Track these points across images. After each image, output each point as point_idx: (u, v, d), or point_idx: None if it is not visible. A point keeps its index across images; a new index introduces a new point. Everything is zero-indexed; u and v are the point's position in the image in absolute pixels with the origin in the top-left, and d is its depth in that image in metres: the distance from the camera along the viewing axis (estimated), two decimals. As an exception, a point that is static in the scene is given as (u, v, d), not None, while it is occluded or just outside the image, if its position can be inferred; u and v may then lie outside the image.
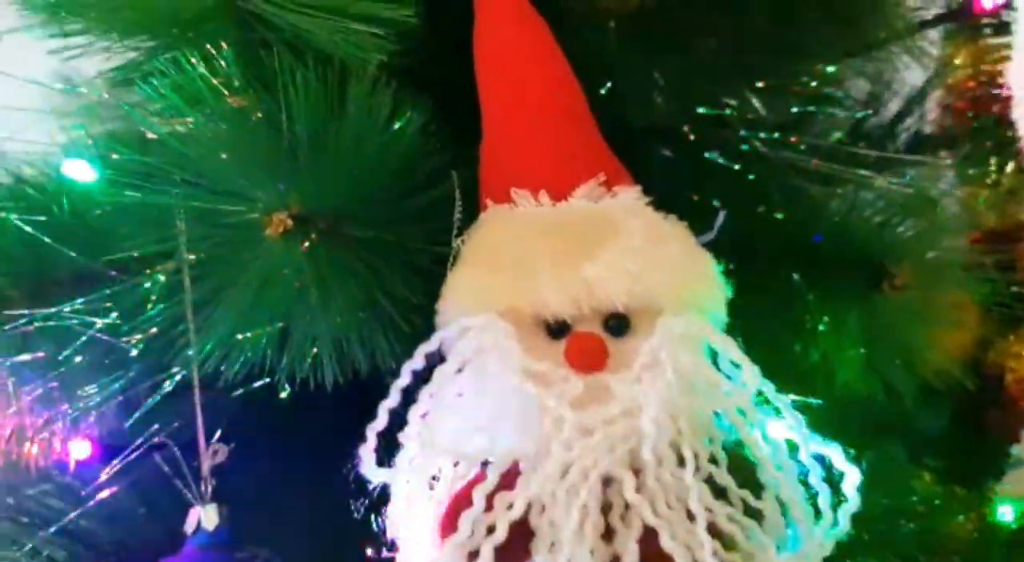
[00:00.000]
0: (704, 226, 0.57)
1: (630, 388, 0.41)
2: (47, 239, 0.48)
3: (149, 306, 0.47)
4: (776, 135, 0.57)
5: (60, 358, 0.45)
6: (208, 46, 0.44)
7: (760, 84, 0.57)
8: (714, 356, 0.44)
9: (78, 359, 0.45)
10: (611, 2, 0.59)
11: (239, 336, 0.44)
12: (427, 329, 0.45)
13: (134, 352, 0.46)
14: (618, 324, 0.44)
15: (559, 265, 0.43)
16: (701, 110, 0.57)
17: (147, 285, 0.47)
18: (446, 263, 0.46)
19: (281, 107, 0.45)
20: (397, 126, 0.46)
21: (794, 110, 0.60)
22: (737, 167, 0.56)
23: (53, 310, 0.44)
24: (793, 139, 0.57)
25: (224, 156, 0.45)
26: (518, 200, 0.46)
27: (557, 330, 0.44)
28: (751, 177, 0.57)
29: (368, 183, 0.46)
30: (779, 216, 0.58)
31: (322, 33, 0.45)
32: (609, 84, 0.57)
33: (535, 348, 0.43)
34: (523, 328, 0.43)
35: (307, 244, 0.44)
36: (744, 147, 0.57)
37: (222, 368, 0.44)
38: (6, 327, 0.45)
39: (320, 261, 0.45)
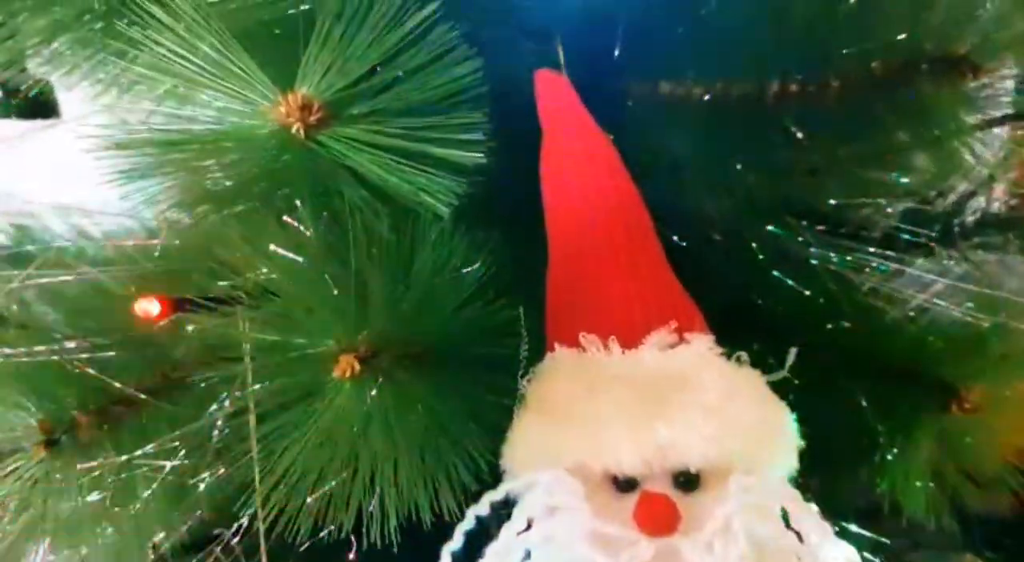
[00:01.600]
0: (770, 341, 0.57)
1: (702, 558, 0.40)
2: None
3: (214, 441, 0.47)
4: (848, 258, 0.56)
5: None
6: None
7: (832, 202, 0.56)
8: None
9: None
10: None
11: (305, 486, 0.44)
12: (492, 475, 0.45)
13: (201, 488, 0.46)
14: (688, 480, 0.43)
15: (631, 424, 0.42)
16: (770, 228, 0.56)
17: (213, 420, 0.47)
18: (512, 407, 0.45)
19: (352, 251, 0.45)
20: (467, 271, 0.45)
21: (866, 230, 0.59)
22: (807, 290, 0.55)
23: (124, 458, 0.45)
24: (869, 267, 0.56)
25: (296, 296, 0.45)
26: (587, 347, 0.45)
27: (626, 485, 0.43)
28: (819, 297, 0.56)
29: (436, 326, 0.46)
30: (846, 333, 0.57)
31: (394, 178, 0.44)
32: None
33: (603, 505, 0.42)
34: (590, 483, 0.43)
35: (375, 391, 0.44)
36: (813, 262, 0.56)
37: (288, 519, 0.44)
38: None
39: (386, 405, 0.45)
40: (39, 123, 0.74)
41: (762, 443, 0.43)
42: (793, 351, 0.48)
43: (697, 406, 0.42)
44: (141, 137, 0.50)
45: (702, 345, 0.45)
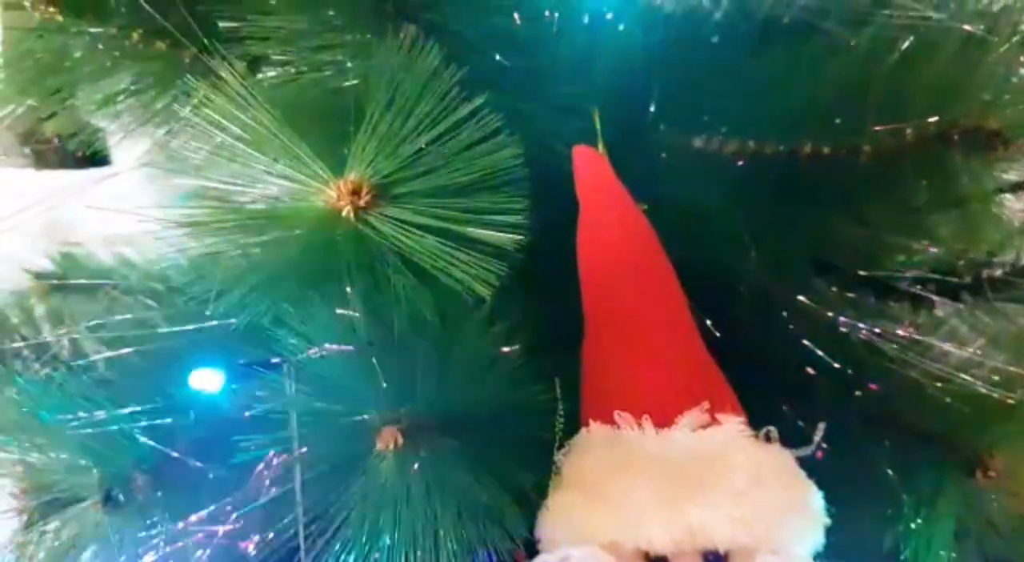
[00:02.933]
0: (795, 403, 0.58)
1: (730, 634, 0.42)
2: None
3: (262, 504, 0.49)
4: (877, 327, 0.57)
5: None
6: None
7: (862, 273, 0.57)
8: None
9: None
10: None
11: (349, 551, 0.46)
12: (527, 549, 0.47)
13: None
14: (717, 560, 0.45)
15: (664, 504, 0.44)
16: (801, 298, 0.57)
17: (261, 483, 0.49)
18: (548, 482, 0.47)
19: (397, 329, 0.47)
20: (507, 351, 0.47)
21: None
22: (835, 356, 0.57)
23: (181, 525, 0.47)
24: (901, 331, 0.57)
25: (342, 369, 0.47)
26: (621, 424, 0.47)
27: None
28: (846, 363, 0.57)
29: (476, 403, 0.47)
30: (872, 398, 0.58)
31: (439, 260, 0.46)
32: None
33: (635, 581, 0.44)
34: (622, 559, 0.45)
35: (417, 465, 0.46)
36: (843, 330, 0.57)
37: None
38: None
39: (426, 477, 0.47)
40: (95, 173, 0.76)
41: (790, 524, 0.45)
42: (821, 426, 0.50)
43: (727, 489, 0.44)
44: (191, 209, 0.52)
45: (733, 427, 0.47)
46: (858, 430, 0.57)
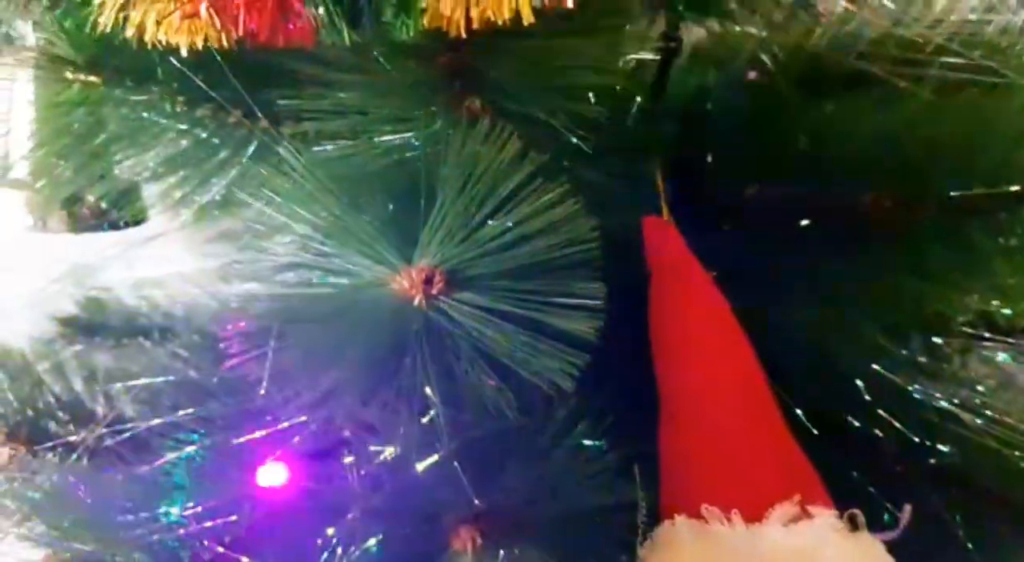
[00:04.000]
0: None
1: None
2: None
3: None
4: (952, 392, 0.55)
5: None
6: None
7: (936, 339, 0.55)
8: None
9: None
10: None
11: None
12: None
13: None
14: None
15: (755, 607, 0.42)
16: (876, 367, 0.55)
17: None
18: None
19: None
20: (589, 444, 0.45)
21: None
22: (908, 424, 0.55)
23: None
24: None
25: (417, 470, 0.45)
26: (709, 518, 0.45)
27: None
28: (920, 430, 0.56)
29: (555, 497, 0.46)
30: (945, 462, 0.57)
31: (516, 351, 0.44)
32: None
33: None
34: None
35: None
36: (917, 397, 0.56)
37: None
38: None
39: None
40: (134, 235, 0.74)
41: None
42: (908, 509, 0.48)
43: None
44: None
45: (826, 522, 0.45)
46: (933, 498, 0.56)
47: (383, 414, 0.46)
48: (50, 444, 0.73)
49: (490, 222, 0.45)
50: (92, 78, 0.56)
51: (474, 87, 0.45)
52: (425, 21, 0.36)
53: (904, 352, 0.58)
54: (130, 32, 0.39)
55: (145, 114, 0.57)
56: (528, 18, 0.35)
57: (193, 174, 0.59)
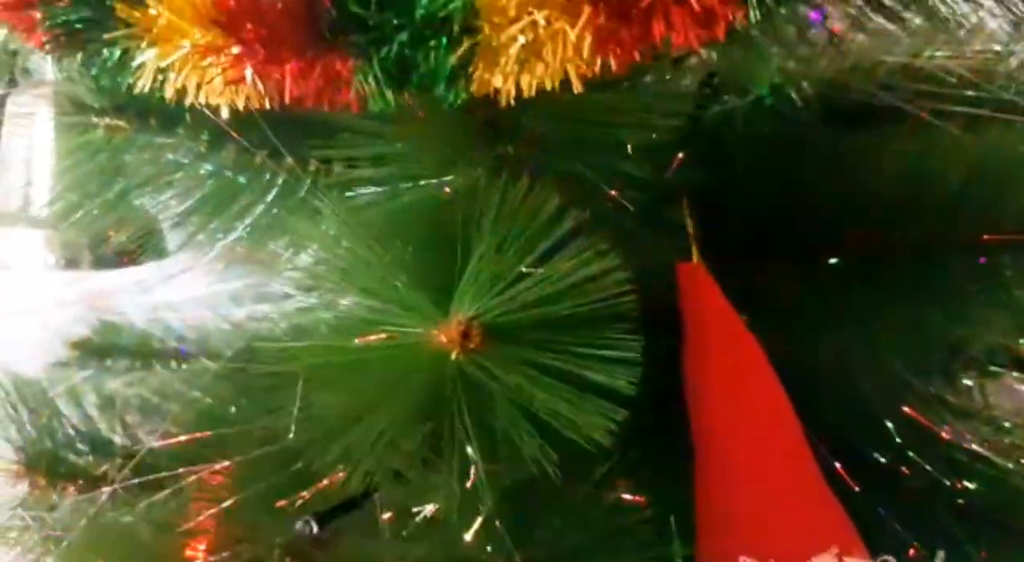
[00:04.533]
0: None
1: None
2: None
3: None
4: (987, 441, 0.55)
5: None
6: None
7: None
8: None
9: None
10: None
11: None
12: None
13: None
14: None
15: None
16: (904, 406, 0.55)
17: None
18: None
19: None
20: (627, 499, 0.45)
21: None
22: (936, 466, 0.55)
23: None
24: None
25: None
26: (748, 572, 0.45)
27: None
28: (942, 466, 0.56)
29: (591, 547, 0.46)
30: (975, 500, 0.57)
31: (555, 406, 0.44)
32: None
33: None
34: None
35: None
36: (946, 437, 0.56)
37: None
38: None
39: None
40: (162, 270, 0.74)
41: None
42: (941, 555, 0.48)
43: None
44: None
45: (863, 574, 0.45)
46: (961, 537, 0.56)
47: (421, 469, 0.45)
48: (71, 477, 0.73)
49: (527, 274, 0.45)
50: (117, 122, 0.56)
51: (513, 140, 0.45)
52: (473, 89, 0.35)
53: (931, 390, 0.58)
54: (169, 94, 0.39)
55: (170, 156, 0.56)
56: (577, 87, 0.35)
57: (218, 215, 0.59)
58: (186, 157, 0.57)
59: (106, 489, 0.64)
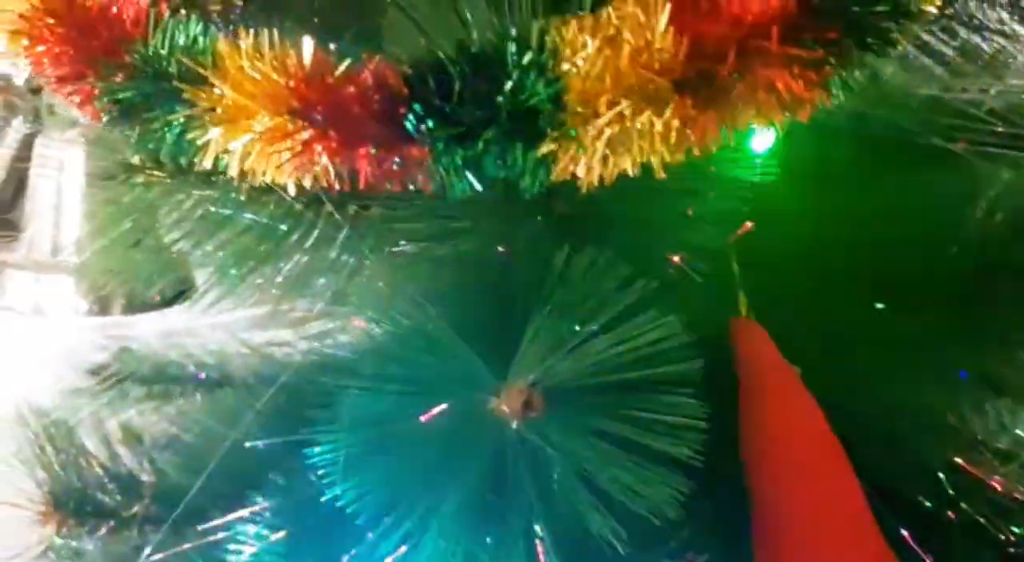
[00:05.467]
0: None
1: None
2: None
3: None
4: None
5: None
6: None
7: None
8: None
9: None
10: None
11: None
12: None
13: None
14: None
15: None
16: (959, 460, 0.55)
17: None
18: None
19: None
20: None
21: None
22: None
23: None
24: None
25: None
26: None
27: None
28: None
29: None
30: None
31: (616, 475, 0.44)
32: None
33: None
34: None
35: None
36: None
37: None
38: None
39: None
40: (194, 312, 0.73)
41: None
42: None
43: None
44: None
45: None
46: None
47: (482, 541, 0.45)
48: (100, 517, 0.72)
49: (587, 338, 0.44)
50: (155, 173, 0.55)
51: (573, 206, 0.44)
52: (553, 177, 0.35)
53: (979, 436, 0.58)
54: (233, 173, 0.38)
55: (212, 208, 0.55)
56: (660, 174, 0.34)
57: (257, 264, 0.58)
58: (227, 208, 0.56)
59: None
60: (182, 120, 0.37)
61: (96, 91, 0.39)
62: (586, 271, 0.43)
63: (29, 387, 0.83)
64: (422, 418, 0.44)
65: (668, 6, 0.33)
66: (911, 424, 0.57)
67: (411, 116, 0.32)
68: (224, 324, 0.93)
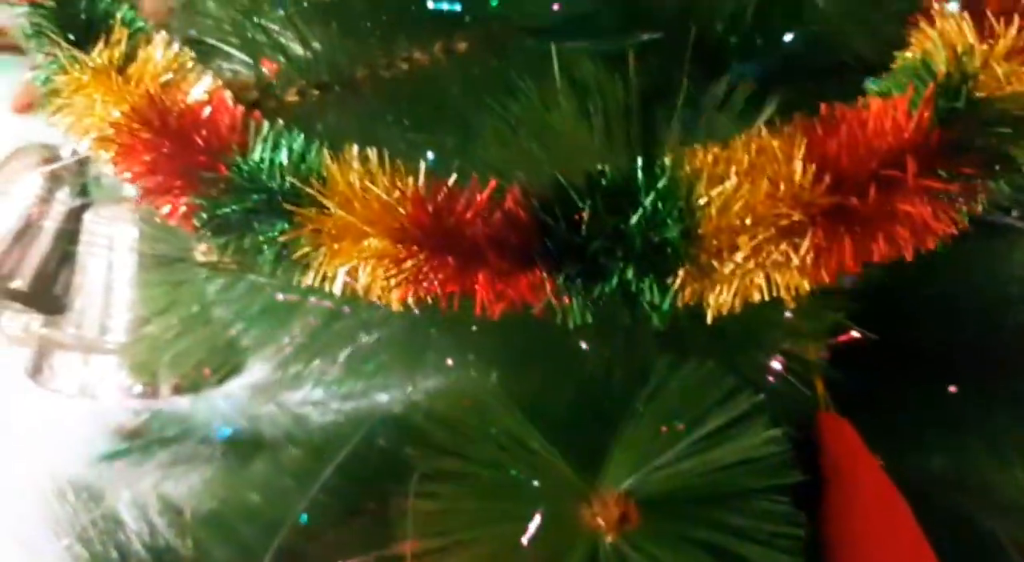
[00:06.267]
0: None
1: None
2: None
3: None
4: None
5: None
6: None
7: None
8: None
9: None
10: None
11: None
12: None
13: None
14: None
15: None
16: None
17: None
18: None
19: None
20: None
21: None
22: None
23: None
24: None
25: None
26: None
27: None
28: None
29: None
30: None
31: None
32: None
33: None
34: None
35: None
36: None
37: None
38: None
39: None
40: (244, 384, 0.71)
41: None
42: None
43: None
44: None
45: None
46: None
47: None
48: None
49: (682, 444, 0.43)
50: (221, 263, 0.53)
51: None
52: (679, 304, 0.34)
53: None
54: (337, 292, 0.37)
55: (279, 296, 0.54)
56: (790, 303, 0.33)
57: (322, 347, 0.57)
58: (293, 294, 0.54)
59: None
60: (285, 240, 0.36)
61: (191, 206, 0.38)
62: (688, 382, 0.42)
63: (62, 456, 0.81)
64: (523, 539, 0.42)
65: (806, 139, 0.32)
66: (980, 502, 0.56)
67: (540, 249, 0.31)
68: (255, 384, 0.91)
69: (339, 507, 0.65)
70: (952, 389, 0.57)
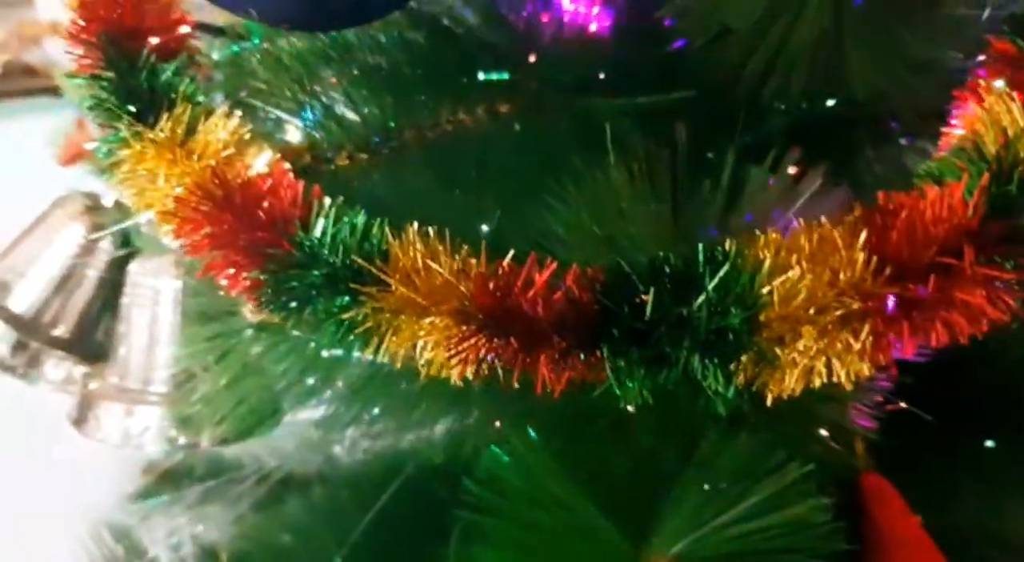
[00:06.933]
0: None
1: None
2: None
3: None
4: None
5: None
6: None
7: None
8: None
9: None
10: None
11: None
12: None
13: None
14: None
15: None
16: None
17: None
18: None
19: None
20: None
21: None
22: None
23: None
24: None
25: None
26: None
27: None
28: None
29: None
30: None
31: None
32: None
33: None
34: None
35: None
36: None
37: None
38: None
39: None
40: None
41: None
42: None
43: None
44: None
45: None
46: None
47: None
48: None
49: (735, 515, 0.44)
50: (267, 321, 0.54)
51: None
52: (741, 380, 0.34)
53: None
54: (397, 366, 0.38)
55: (323, 352, 0.55)
56: (848, 386, 0.34)
57: (367, 403, 0.57)
58: (339, 348, 0.55)
59: None
60: (347, 318, 0.37)
61: (254, 281, 0.39)
62: (739, 452, 0.42)
63: (94, 494, 0.82)
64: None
65: (866, 229, 0.32)
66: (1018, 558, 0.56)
67: (605, 338, 0.32)
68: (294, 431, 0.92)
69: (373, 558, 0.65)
70: (989, 444, 0.58)
